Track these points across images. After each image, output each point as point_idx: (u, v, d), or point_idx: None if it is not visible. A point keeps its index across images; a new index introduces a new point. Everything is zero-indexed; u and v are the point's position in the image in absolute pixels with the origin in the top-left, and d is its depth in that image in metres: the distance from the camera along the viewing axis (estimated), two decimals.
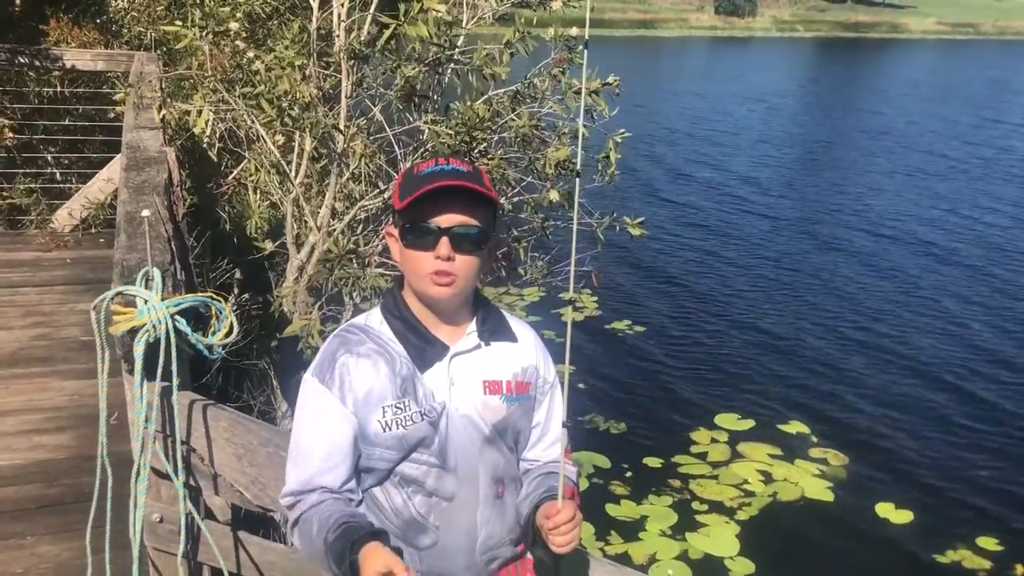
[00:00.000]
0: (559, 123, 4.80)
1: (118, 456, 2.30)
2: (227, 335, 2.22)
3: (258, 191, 5.60)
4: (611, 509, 6.21)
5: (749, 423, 7.48)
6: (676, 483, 6.57)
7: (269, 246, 5.29)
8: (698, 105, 26.77)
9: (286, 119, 4.47)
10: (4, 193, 5.99)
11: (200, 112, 4.67)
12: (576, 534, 1.55)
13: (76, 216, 5.94)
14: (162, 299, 2.14)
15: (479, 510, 1.65)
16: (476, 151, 4.49)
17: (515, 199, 4.88)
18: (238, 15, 4.67)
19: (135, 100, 5.07)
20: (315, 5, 4.55)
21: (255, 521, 2.66)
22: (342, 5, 4.51)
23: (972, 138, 22.49)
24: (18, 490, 3.30)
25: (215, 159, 6.48)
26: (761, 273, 11.65)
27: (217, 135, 6.27)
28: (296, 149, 4.90)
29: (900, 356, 9.15)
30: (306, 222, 4.93)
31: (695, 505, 6.30)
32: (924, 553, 5.99)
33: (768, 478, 6.66)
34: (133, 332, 2.09)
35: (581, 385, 7.76)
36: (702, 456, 6.95)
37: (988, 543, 6.09)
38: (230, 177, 6.40)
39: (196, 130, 4.94)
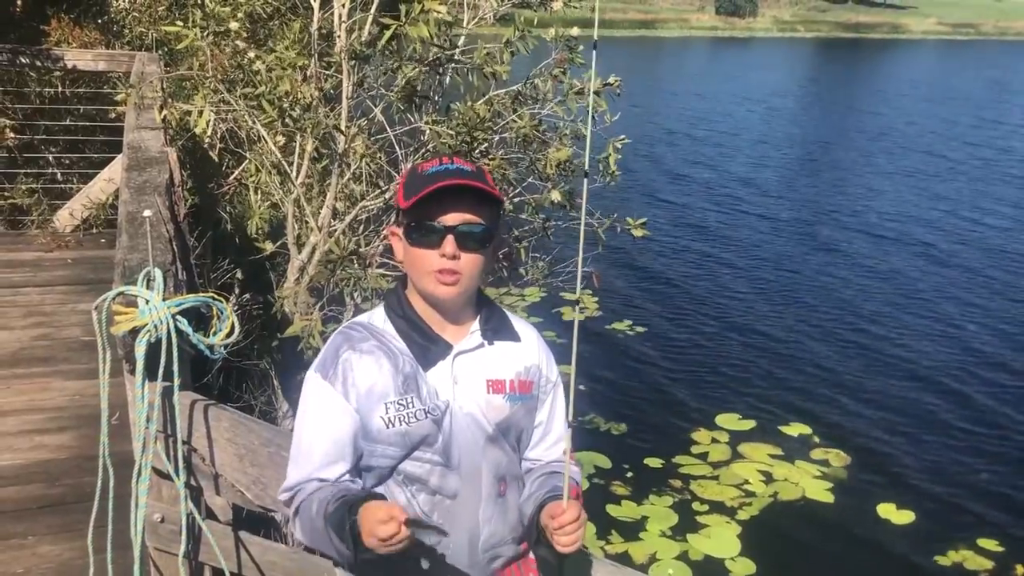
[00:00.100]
0: (560, 124, 4.80)
1: (119, 456, 2.30)
2: (228, 335, 2.22)
3: (259, 191, 5.59)
4: (612, 509, 6.21)
5: (750, 424, 7.48)
6: (677, 483, 6.57)
7: (270, 246, 5.29)
8: (698, 105, 26.78)
9: (287, 119, 4.47)
10: (5, 193, 5.99)
11: (201, 112, 4.67)
12: (581, 534, 1.56)
13: (77, 216, 5.95)
14: (163, 299, 2.14)
15: (481, 508, 1.66)
16: (477, 151, 4.48)
17: (516, 199, 4.88)
18: (239, 15, 4.66)
19: (136, 100, 5.07)
20: (316, 6, 4.55)
21: (256, 521, 2.66)
22: (343, 6, 4.50)
23: (972, 139, 22.48)
24: (20, 490, 3.30)
25: (216, 159, 6.47)
26: (762, 274, 11.65)
27: (218, 135, 6.26)
28: (297, 150, 4.89)
29: (901, 358, 9.15)
30: (307, 222, 4.93)
31: (696, 505, 6.30)
32: (925, 554, 5.99)
33: (769, 479, 6.66)
34: (134, 332, 2.10)
35: (582, 386, 7.76)
36: (703, 456, 6.95)
37: (989, 544, 6.09)
38: (231, 177, 6.39)
39: (197, 130, 4.93)
